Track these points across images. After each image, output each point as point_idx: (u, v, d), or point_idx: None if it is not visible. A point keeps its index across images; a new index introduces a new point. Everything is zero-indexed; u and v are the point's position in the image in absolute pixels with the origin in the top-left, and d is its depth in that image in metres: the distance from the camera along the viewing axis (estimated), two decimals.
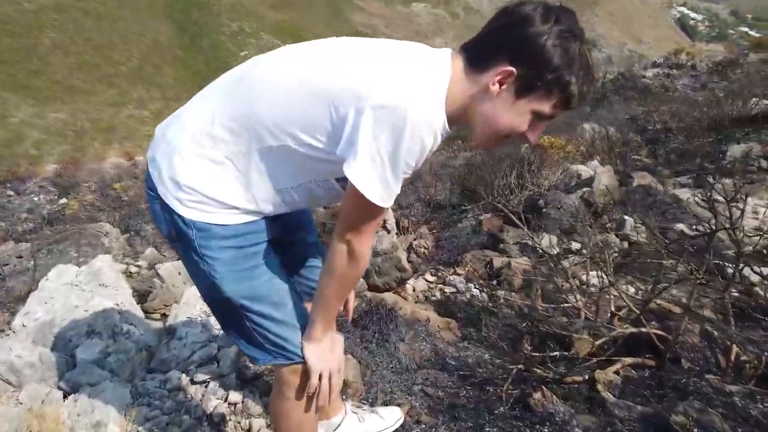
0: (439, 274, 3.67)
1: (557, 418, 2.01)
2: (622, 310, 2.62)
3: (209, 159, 1.20)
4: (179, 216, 1.22)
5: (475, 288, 3.30)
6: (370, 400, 2.10)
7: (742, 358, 2.29)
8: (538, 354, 2.20)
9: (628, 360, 2.29)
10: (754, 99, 8.68)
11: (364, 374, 2.25)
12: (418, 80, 1.08)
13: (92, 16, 48.13)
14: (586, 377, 2.24)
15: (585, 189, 5.68)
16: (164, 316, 5.49)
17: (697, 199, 2.58)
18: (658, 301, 2.72)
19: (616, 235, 4.47)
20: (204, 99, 1.27)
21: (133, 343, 2.33)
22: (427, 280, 3.53)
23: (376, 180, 1.08)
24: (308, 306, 1.43)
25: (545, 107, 1.10)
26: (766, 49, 14.90)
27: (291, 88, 1.14)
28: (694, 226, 4.85)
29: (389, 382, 2.23)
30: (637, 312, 2.34)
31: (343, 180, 1.15)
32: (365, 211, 1.13)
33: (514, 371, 2.17)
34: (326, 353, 1.31)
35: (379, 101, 1.05)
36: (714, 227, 2.24)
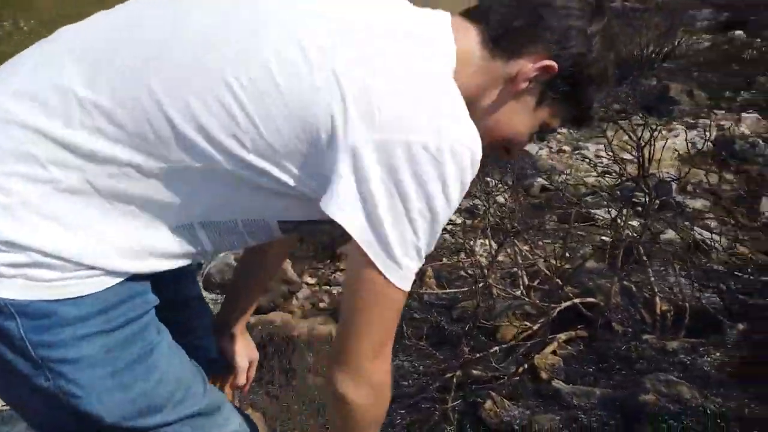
0: (320, 273, 3.22)
1: (515, 426, 1.72)
2: (536, 280, 2.43)
3: (53, 186, 0.63)
4: None
5: None
6: None
7: (663, 309, 2.21)
8: (478, 354, 1.88)
9: (563, 336, 2.08)
10: None
11: (273, 428, 1.76)
12: (437, 81, 0.68)
13: None
14: (525, 366, 1.98)
15: None
16: None
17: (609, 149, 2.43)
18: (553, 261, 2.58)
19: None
20: (38, 66, 0.68)
21: None
22: (308, 284, 3.07)
23: (404, 258, 0.65)
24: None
25: (554, 123, 0.79)
26: None
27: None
28: (548, 178, 4.99)
29: (307, 429, 1.78)
30: (561, 283, 2.13)
31: (289, 222, 0.70)
32: (388, 308, 0.68)
33: (454, 380, 1.83)
34: None
35: (391, 134, 0.62)
36: (633, 175, 2.10)
